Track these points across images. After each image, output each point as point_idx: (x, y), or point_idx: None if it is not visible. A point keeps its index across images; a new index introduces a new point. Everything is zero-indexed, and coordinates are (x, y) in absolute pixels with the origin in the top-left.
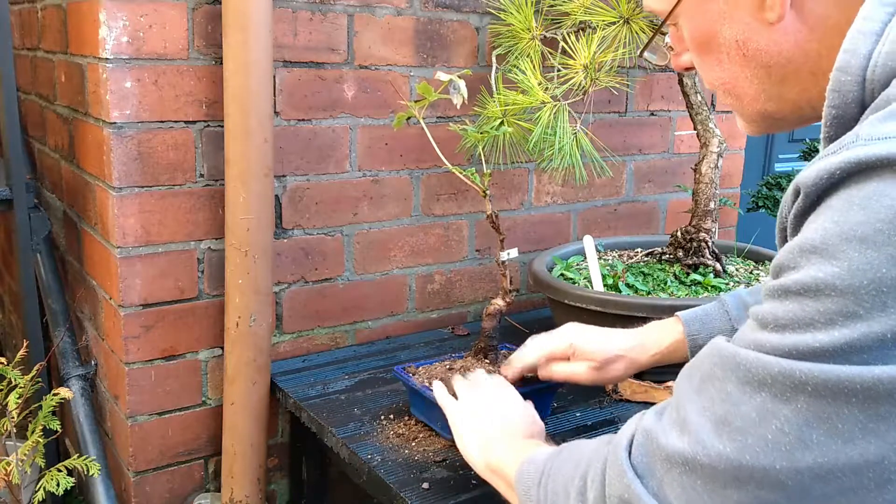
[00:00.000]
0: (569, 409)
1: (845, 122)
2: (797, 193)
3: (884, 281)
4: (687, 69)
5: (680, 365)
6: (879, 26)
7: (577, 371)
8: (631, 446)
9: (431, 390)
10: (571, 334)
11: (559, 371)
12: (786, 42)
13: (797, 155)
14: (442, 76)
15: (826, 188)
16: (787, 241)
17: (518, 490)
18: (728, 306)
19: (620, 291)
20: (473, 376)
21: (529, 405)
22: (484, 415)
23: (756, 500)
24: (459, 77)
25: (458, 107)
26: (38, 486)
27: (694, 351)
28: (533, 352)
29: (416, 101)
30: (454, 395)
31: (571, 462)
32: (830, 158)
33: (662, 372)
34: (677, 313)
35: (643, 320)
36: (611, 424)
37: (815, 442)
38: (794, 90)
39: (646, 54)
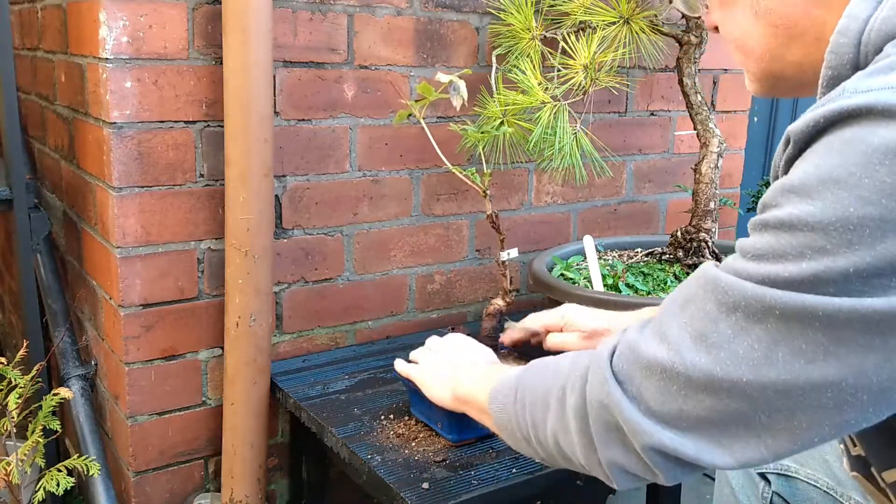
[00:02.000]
0: None
1: (840, 83)
2: (787, 142)
3: (850, 219)
4: (714, 29)
5: None
6: None
7: (568, 340)
8: (613, 356)
9: None
10: (565, 309)
11: (553, 340)
12: (794, 6)
13: None
14: (442, 77)
15: (812, 135)
16: None
17: (492, 409)
18: None
19: (620, 291)
20: (428, 341)
21: (484, 347)
22: (444, 356)
23: (726, 407)
24: (459, 77)
25: (458, 108)
26: (38, 486)
27: None
28: (529, 321)
29: (416, 101)
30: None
31: (548, 373)
32: (818, 109)
33: None
34: None
35: None
36: None
37: (780, 359)
38: (798, 53)
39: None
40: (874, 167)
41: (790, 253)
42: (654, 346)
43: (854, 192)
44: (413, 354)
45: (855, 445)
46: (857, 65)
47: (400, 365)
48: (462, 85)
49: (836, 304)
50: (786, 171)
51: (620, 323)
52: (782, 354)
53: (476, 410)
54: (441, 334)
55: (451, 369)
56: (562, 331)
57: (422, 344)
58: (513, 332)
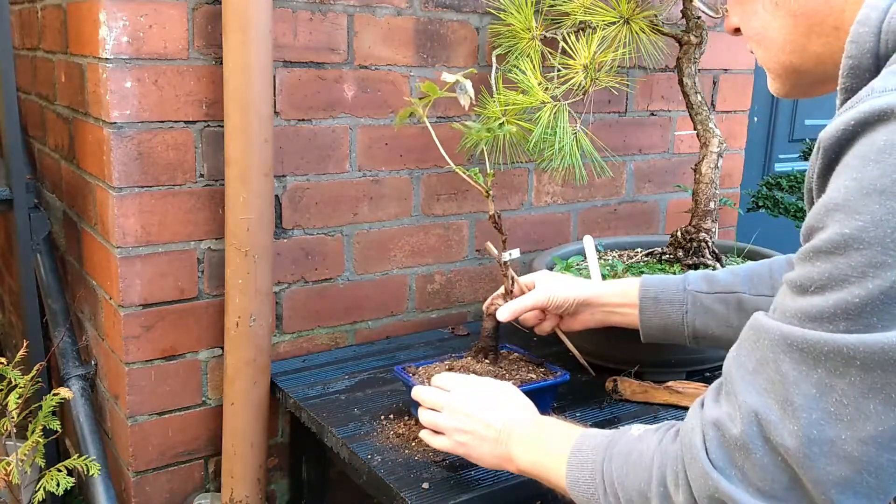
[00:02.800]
0: (569, 409)
1: (860, 73)
2: (818, 150)
3: None
4: (735, 31)
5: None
6: None
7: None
8: (705, 444)
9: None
10: (543, 284)
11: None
12: None
13: (797, 155)
14: (447, 77)
15: (843, 142)
16: (814, 202)
17: (577, 496)
18: (688, 277)
19: None
20: (438, 380)
21: (507, 384)
22: (478, 415)
23: (829, 476)
24: (464, 76)
25: (466, 108)
26: (38, 486)
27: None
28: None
29: (420, 99)
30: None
31: (632, 464)
32: (847, 113)
33: (662, 372)
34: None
35: None
36: (610, 424)
37: (873, 412)
38: (818, 43)
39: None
40: None
41: (851, 275)
42: (741, 423)
43: None
44: (431, 418)
45: None
46: (878, 53)
47: (431, 439)
48: (469, 84)
49: None
50: (821, 182)
51: (596, 289)
52: (874, 406)
53: (549, 485)
54: (441, 335)
55: (494, 433)
56: (546, 307)
57: (422, 344)
58: (510, 306)
